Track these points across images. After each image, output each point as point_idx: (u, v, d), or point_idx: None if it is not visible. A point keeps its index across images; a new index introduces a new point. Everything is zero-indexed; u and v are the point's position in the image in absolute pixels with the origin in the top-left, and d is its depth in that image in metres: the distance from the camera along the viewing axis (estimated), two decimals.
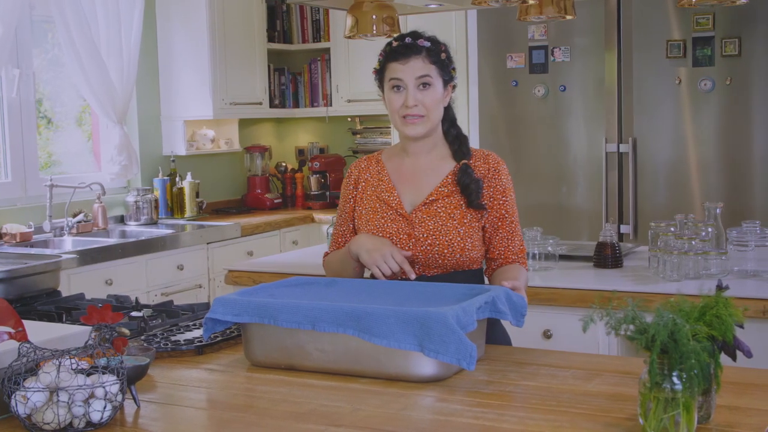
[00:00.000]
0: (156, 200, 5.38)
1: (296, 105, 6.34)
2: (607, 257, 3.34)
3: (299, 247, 5.48)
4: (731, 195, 4.51)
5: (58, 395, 1.70)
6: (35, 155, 4.95)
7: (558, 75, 4.85)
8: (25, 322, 2.04)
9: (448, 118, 2.53)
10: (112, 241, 4.71)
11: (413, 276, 2.37)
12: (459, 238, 2.41)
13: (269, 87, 6.06)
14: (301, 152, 6.50)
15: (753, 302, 2.83)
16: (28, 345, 1.77)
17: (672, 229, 3.25)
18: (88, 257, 4.29)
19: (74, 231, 4.85)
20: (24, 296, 2.86)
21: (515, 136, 5.03)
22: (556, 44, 4.82)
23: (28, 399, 1.69)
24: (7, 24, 4.46)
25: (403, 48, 2.44)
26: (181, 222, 5.37)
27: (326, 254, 2.65)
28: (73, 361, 1.75)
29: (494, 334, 2.46)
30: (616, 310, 1.62)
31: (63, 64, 5.10)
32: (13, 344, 1.79)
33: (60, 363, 1.73)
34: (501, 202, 2.47)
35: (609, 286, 3.05)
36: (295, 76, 6.34)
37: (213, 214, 5.78)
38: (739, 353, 1.70)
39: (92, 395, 1.72)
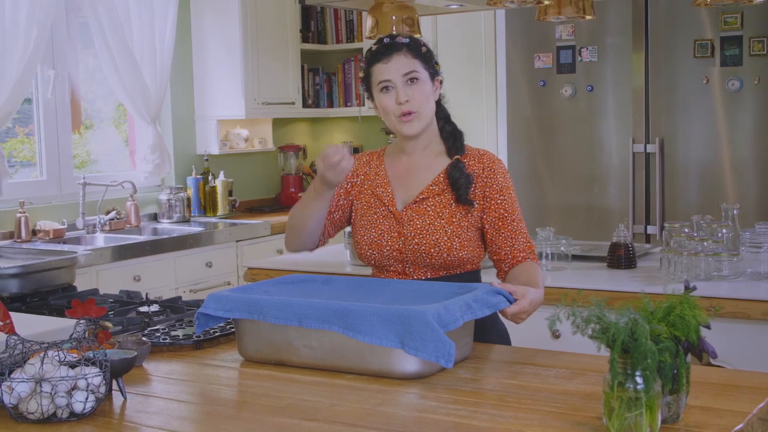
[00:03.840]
0: (188, 198, 5.47)
1: (330, 105, 6.39)
2: (620, 258, 3.33)
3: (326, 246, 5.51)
4: (760, 196, 4.45)
5: (41, 386, 1.76)
6: (70, 154, 5.07)
7: (585, 75, 4.83)
8: (21, 315, 2.11)
9: (443, 115, 2.53)
10: (141, 238, 4.80)
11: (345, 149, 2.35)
12: (446, 238, 2.40)
13: (303, 87, 6.12)
14: None
15: (763, 304, 2.81)
16: (15, 337, 1.83)
17: (686, 230, 3.23)
18: (116, 254, 4.38)
19: (107, 228, 4.96)
20: (39, 291, 2.96)
21: (543, 136, 5.01)
22: (584, 44, 4.80)
23: (13, 389, 1.76)
24: (41, 25, 4.57)
25: (383, 48, 2.45)
26: (213, 220, 5.45)
27: None
28: (59, 353, 1.81)
29: (494, 333, 2.47)
30: (581, 309, 1.63)
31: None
32: (1, 336, 1.86)
33: (45, 355, 1.79)
34: (499, 201, 2.44)
35: (618, 287, 3.05)
36: (329, 76, 6.40)
37: (246, 212, 5.85)
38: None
39: (75, 386, 1.78)
